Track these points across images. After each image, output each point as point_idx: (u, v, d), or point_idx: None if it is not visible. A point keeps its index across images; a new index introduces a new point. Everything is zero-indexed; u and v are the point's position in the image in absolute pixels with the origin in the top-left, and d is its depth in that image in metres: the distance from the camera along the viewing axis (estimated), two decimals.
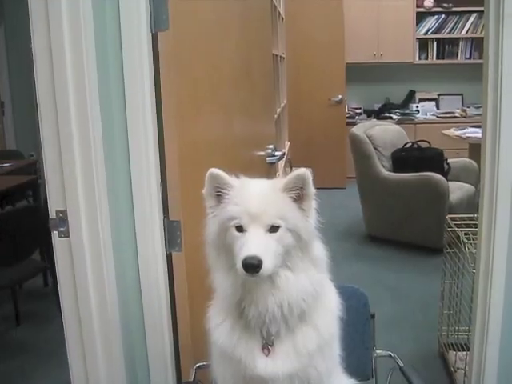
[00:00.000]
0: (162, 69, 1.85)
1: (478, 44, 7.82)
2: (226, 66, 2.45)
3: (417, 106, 8.20)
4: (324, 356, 1.47)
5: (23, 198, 5.26)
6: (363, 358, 1.97)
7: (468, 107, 7.98)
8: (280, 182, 1.39)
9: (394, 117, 8.01)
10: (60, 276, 1.95)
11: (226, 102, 2.44)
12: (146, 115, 1.85)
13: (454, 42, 7.98)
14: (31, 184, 4.96)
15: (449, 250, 3.22)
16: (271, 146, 2.94)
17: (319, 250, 1.44)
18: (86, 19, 1.77)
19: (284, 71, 6.44)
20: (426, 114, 8.12)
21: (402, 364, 1.91)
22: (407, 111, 8.15)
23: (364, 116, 8.22)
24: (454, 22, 7.84)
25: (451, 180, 5.21)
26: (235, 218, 1.34)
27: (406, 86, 8.33)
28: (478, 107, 7.69)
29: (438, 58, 8.05)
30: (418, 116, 8.08)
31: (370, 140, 5.32)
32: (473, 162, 5.54)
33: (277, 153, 2.92)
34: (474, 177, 5.40)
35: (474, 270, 2.39)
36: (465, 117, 7.85)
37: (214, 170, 1.40)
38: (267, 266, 1.29)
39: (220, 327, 1.48)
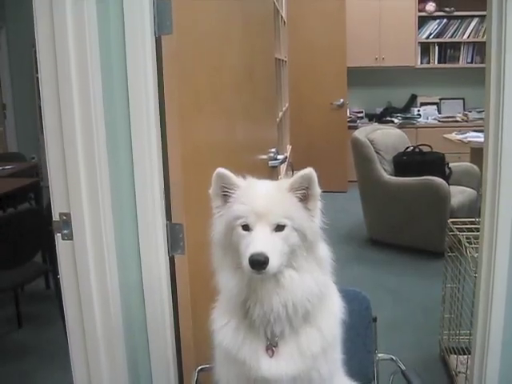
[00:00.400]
0: (166, 72, 1.86)
1: (479, 48, 7.83)
2: (229, 69, 2.46)
3: (418, 110, 8.20)
4: (327, 358, 1.47)
5: (25, 200, 5.26)
6: (365, 362, 1.97)
7: (469, 111, 7.99)
8: (286, 182, 1.41)
9: (396, 121, 8.02)
10: (63, 278, 1.95)
11: (228, 105, 2.45)
12: (150, 119, 1.86)
13: (456, 46, 7.98)
14: (33, 186, 4.97)
15: (450, 254, 3.22)
16: (273, 150, 2.95)
17: (324, 250, 1.45)
18: (90, 24, 1.79)
19: (286, 75, 6.45)
20: (428, 118, 8.13)
21: (403, 367, 1.91)
22: (409, 115, 8.16)
23: (365, 120, 8.22)
24: (455, 27, 7.85)
25: (452, 184, 5.21)
26: (242, 217, 1.35)
27: (408, 90, 8.33)
28: (479, 111, 7.70)
29: (439, 62, 8.05)
30: (419, 120, 8.08)
31: (371, 144, 5.33)
32: (474, 167, 5.55)
33: (279, 156, 2.93)
34: (475, 181, 5.40)
35: (476, 274, 2.40)
36: (466, 121, 7.85)
37: (221, 170, 1.42)
38: (273, 263, 1.30)
39: (224, 328, 1.48)
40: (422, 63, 8.06)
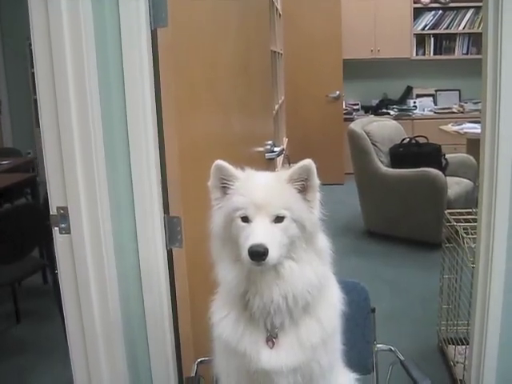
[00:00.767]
0: (162, 65, 1.85)
1: (475, 39, 7.83)
2: (224, 62, 2.45)
3: (414, 102, 8.21)
4: (327, 349, 1.48)
5: (22, 195, 5.25)
6: (364, 352, 1.98)
7: (465, 102, 7.99)
8: (285, 173, 1.41)
9: (392, 112, 8.02)
10: (61, 272, 1.95)
11: (224, 98, 2.44)
12: (146, 111, 1.85)
13: (451, 37, 7.98)
14: (30, 182, 4.96)
15: (447, 245, 3.22)
16: (270, 142, 2.95)
17: (323, 241, 1.46)
18: (85, 16, 1.78)
19: (282, 67, 6.43)
20: (424, 110, 8.14)
21: (402, 358, 1.92)
22: (405, 107, 8.16)
23: (361, 112, 8.22)
24: (451, 18, 7.85)
25: (449, 175, 5.22)
26: (241, 208, 1.35)
27: (404, 81, 8.33)
28: (475, 102, 7.70)
29: (435, 53, 8.05)
30: (415, 112, 8.09)
31: (367, 136, 5.32)
32: (471, 158, 5.55)
33: (276, 149, 2.93)
34: (471, 172, 5.41)
35: (473, 264, 2.40)
36: (462, 112, 7.86)
37: (220, 162, 1.42)
38: (273, 254, 1.30)
39: (224, 321, 1.48)
40: (417, 55, 8.06)
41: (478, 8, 7.54)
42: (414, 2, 7.79)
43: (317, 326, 1.45)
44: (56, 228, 1.90)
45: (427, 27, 7.94)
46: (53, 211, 1.89)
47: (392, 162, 5.36)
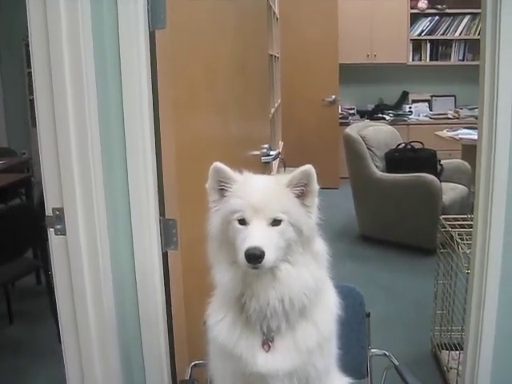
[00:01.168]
0: (159, 66, 1.85)
1: (471, 46, 7.85)
2: (222, 64, 2.45)
3: (410, 107, 8.23)
4: (323, 353, 1.48)
5: (16, 196, 5.23)
6: (358, 357, 1.98)
7: (461, 108, 8.01)
8: (284, 177, 1.41)
9: (387, 117, 8.04)
10: (56, 274, 1.94)
11: (221, 101, 2.44)
12: (143, 113, 1.85)
13: (448, 43, 8.00)
14: (24, 182, 4.94)
15: (442, 250, 3.23)
16: (266, 146, 2.94)
17: (320, 245, 1.46)
18: (84, 17, 1.77)
19: (278, 71, 6.44)
20: (419, 115, 8.16)
21: (397, 363, 1.91)
22: (400, 112, 8.18)
23: (357, 116, 8.23)
24: (447, 24, 7.87)
25: (444, 181, 5.22)
26: (238, 211, 1.35)
27: (400, 86, 8.35)
28: (470, 108, 7.73)
29: (431, 59, 8.08)
30: (410, 117, 8.11)
31: (363, 140, 5.33)
32: (466, 163, 5.56)
33: (272, 152, 2.92)
34: (466, 178, 5.42)
35: (468, 270, 2.41)
36: (458, 118, 7.89)
37: (218, 164, 1.41)
38: (269, 257, 1.30)
39: (220, 323, 1.48)
40: (413, 60, 8.08)
41: (474, 14, 7.56)
42: (411, 8, 7.81)
43: (313, 329, 1.45)
44: (51, 229, 1.89)
45: (424, 33, 7.96)
46: (48, 212, 1.88)
47: (387, 167, 5.37)
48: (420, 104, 8.27)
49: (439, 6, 7.79)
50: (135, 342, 2.04)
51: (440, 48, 8.04)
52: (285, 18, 7.06)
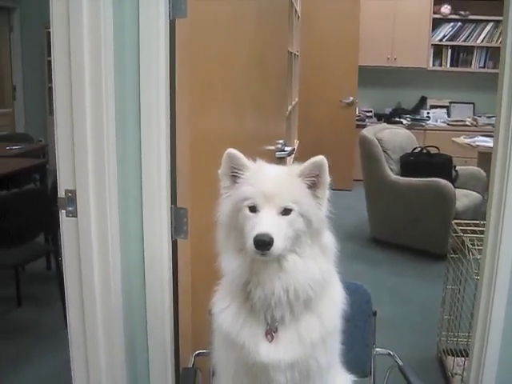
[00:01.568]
0: (178, 57, 1.86)
1: (492, 53, 7.79)
2: (240, 59, 2.45)
3: (428, 113, 8.19)
4: (326, 348, 1.47)
5: (30, 181, 5.26)
6: (362, 355, 1.97)
7: (479, 116, 7.96)
8: (297, 167, 1.41)
9: (405, 122, 8.01)
10: (65, 255, 1.96)
11: (238, 94, 2.45)
12: (160, 102, 1.86)
13: (469, 50, 7.95)
14: (39, 167, 4.96)
15: (453, 256, 3.21)
16: (281, 141, 2.95)
17: (329, 239, 1.45)
18: (105, 5, 1.79)
19: (297, 69, 6.43)
20: (437, 121, 8.11)
21: (401, 363, 1.91)
22: (418, 117, 8.14)
23: (374, 119, 8.20)
24: (469, 30, 7.82)
25: (458, 187, 5.20)
26: (249, 198, 1.35)
27: (418, 91, 8.32)
28: (489, 117, 7.67)
29: (451, 65, 8.03)
30: (428, 122, 8.07)
31: (379, 143, 5.31)
32: (481, 171, 5.53)
33: (286, 148, 2.93)
34: (481, 185, 5.39)
35: (478, 276, 2.39)
36: (475, 125, 7.83)
37: (232, 150, 1.42)
38: (278, 245, 1.30)
39: (225, 311, 1.48)
40: (433, 65, 8.03)
41: (497, 22, 7.50)
42: (434, 13, 7.76)
43: (317, 322, 1.45)
44: (63, 211, 1.90)
45: (445, 38, 7.92)
46: (61, 194, 1.90)
47: (402, 171, 5.35)
48: (438, 110, 8.23)
49: (462, 13, 7.74)
50: (141, 328, 2.05)
51: (461, 54, 7.99)
52: (306, 17, 7.06)
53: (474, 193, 5.40)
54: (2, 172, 4.30)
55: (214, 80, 2.16)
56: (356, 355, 1.89)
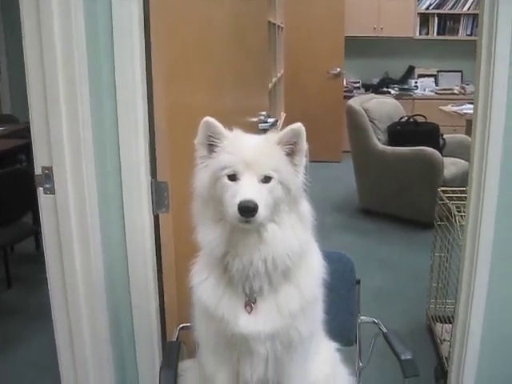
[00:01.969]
0: (153, 29, 1.83)
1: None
2: (218, 31, 2.42)
3: (416, 82, 8.16)
4: (306, 317, 1.47)
5: (16, 162, 5.22)
6: (347, 324, 1.97)
7: (467, 84, 7.93)
8: (275, 135, 1.40)
9: (393, 92, 7.97)
10: (45, 233, 1.95)
11: (217, 67, 2.41)
12: (136, 75, 1.83)
13: (456, 17, 7.87)
14: (24, 148, 4.91)
15: (440, 223, 3.21)
16: (264, 113, 2.92)
17: (306, 207, 1.44)
18: None
19: (282, 41, 6.36)
20: (425, 90, 8.08)
21: (385, 330, 1.91)
22: (406, 86, 8.11)
23: (362, 90, 8.16)
24: None
25: (446, 156, 5.19)
26: (228, 166, 1.34)
27: (406, 61, 8.26)
28: None
29: (438, 33, 7.96)
30: (416, 92, 8.04)
31: (366, 113, 5.28)
32: (469, 138, 5.46)
33: (269, 119, 2.91)
34: (469, 153, 5.37)
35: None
36: (463, 94, 7.81)
37: (209, 119, 1.40)
38: (262, 212, 1.29)
39: (204, 283, 1.48)
40: (420, 34, 7.96)
41: None
42: None
43: (296, 292, 1.44)
44: (40, 188, 1.89)
45: (431, 7, 7.84)
46: (38, 171, 1.88)
47: (389, 140, 5.34)
48: (426, 79, 8.19)
49: None
50: (125, 304, 2.04)
51: (448, 22, 7.92)
52: None
53: (462, 161, 5.38)
54: None
55: (191, 52, 2.12)
56: (340, 324, 1.89)
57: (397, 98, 7.10)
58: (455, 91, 7.93)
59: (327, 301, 1.58)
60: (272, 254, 1.37)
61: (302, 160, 1.41)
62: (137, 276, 1.99)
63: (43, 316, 3.34)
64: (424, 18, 7.92)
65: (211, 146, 1.40)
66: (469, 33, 7.91)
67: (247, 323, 1.42)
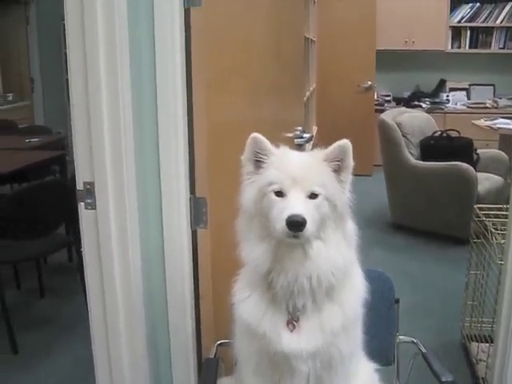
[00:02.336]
0: (194, 45, 1.84)
1: None
2: (256, 45, 2.42)
3: (447, 96, 8.09)
4: (348, 336, 1.46)
5: (50, 173, 5.28)
6: (386, 343, 1.95)
7: (500, 98, 7.85)
8: (321, 152, 1.41)
9: (424, 105, 7.92)
10: (85, 248, 1.96)
11: (255, 82, 2.42)
12: (176, 91, 1.84)
13: (488, 31, 7.81)
14: (58, 159, 4.97)
15: (475, 240, 3.17)
16: (300, 128, 2.92)
17: (351, 225, 1.44)
18: None
19: (314, 54, 6.38)
20: (457, 104, 8.01)
21: (424, 350, 1.88)
22: (437, 100, 8.05)
23: (393, 104, 8.12)
24: (488, 11, 7.69)
25: (480, 171, 5.13)
26: (275, 182, 1.35)
27: (437, 74, 8.21)
28: (510, 98, 7.57)
29: (470, 47, 7.90)
30: (448, 105, 7.97)
31: (398, 127, 5.26)
32: (503, 154, 5.46)
33: (305, 135, 2.90)
34: (503, 168, 5.32)
35: (501, 260, 2.36)
36: (496, 107, 7.73)
37: (257, 135, 1.41)
38: (310, 227, 1.30)
39: (246, 301, 1.47)
40: (452, 48, 7.91)
41: None
42: None
43: (339, 311, 1.44)
44: (82, 203, 1.90)
45: (464, 20, 7.79)
46: (79, 186, 1.90)
47: (422, 155, 5.30)
48: (458, 92, 8.13)
49: None
50: (162, 319, 2.04)
51: (480, 36, 7.86)
52: (322, 1, 6.99)
53: (496, 176, 5.32)
54: (22, 165, 4.31)
55: (231, 67, 2.13)
56: (379, 343, 1.87)
57: (428, 111, 7.06)
58: (487, 105, 7.85)
59: (366, 320, 1.57)
60: (317, 270, 1.37)
61: (349, 177, 1.42)
62: (174, 292, 2.00)
63: (76, 327, 3.41)
64: (456, 32, 7.87)
65: (258, 162, 1.41)
66: (501, 46, 7.84)
67: (289, 341, 1.41)
